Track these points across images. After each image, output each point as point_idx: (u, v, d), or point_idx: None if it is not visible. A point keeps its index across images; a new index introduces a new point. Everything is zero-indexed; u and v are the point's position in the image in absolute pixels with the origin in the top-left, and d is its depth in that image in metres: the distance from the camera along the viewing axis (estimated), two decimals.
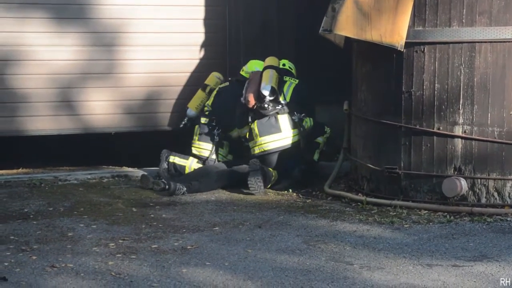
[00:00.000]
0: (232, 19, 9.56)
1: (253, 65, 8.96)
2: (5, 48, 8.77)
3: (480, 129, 7.16)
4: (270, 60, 8.74)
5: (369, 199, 7.57)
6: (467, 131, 7.20)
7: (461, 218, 6.99)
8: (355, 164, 8.07)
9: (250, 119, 8.49)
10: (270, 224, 6.81)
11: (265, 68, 8.61)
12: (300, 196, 8.03)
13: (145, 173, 8.64)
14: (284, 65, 8.91)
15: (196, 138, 8.80)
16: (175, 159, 8.72)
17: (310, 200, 7.83)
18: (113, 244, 6.15)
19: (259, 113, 8.41)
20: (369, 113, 7.75)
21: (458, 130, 7.22)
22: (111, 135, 9.33)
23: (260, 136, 8.38)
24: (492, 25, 7.03)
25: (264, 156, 8.35)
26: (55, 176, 8.67)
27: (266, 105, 8.34)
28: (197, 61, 9.49)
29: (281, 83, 8.59)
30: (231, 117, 8.66)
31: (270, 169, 8.31)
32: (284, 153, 8.38)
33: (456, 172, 7.25)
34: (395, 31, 7.22)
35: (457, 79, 7.18)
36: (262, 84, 8.39)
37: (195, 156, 8.76)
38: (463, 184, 7.14)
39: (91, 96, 9.10)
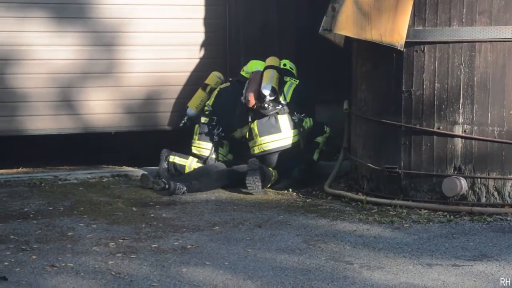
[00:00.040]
0: (232, 19, 9.56)
1: (254, 65, 8.96)
2: (5, 47, 8.77)
3: (480, 128, 7.16)
4: (271, 60, 8.74)
5: (369, 198, 7.57)
6: (467, 130, 7.20)
7: (461, 217, 6.99)
8: (355, 163, 8.07)
9: (250, 119, 8.49)
10: (270, 224, 6.81)
11: (266, 68, 8.61)
12: (300, 195, 8.03)
13: (145, 173, 8.64)
14: (285, 65, 8.90)
15: (196, 137, 8.80)
16: (175, 159, 8.72)
17: (310, 200, 7.83)
18: (113, 243, 6.15)
19: (259, 113, 8.41)
20: (369, 113, 7.75)
21: (458, 130, 7.22)
22: (111, 134, 9.33)
23: (260, 136, 8.38)
24: (492, 25, 7.03)
25: (264, 156, 8.35)
26: (55, 175, 8.66)
27: (266, 105, 8.34)
28: (197, 61, 9.48)
29: (281, 83, 8.59)
30: (232, 118, 8.66)
31: (270, 168, 8.31)
32: (284, 153, 8.37)
33: (456, 172, 7.25)
34: (395, 30, 7.22)
35: (457, 79, 7.18)
36: (263, 84, 8.39)
37: (195, 155, 8.76)
38: (463, 183, 7.14)
39: (91, 95, 9.10)
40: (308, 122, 8.54)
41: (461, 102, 7.18)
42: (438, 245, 6.17)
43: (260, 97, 8.37)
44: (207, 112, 8.84)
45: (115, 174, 8.83)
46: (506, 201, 7.16)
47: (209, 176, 8.23)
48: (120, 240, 6.24)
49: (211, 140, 8.73)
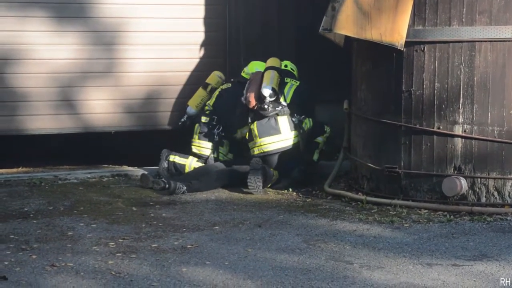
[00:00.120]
0: (232, 18, 9.55)
1: (254, 66, 8.95)
2: (5, 47, 8.76)
3: (480, 128, 7.16)
4: (272, 61, 8.73)
5: (369, 198, 7.57)
6: (467, 130, 7.20)
7: (461, 217, 6.99)
8: (355, 163, 8.07)
9: (249, 120, 8.49)
10: (270, 223, 6.81)
11: (267, 68, 8.60)
12: (300, 195, 8.03)
13: (145, 172, 8.64)
14: (286, 66, 8.90)
15: (196, 137, 8.80)
16: (175, 158, 8.72)
17: (310, 199, 7.83)
18: (113, 243, 6.15)
19: (259, 113, 8.41)
20: (369, 112, 7.75)
21: (458, 130, 7.22)
22: (111, 134, 9.33)
23: (260, 138, 8.37)
24: (492, 24, 7.03)
25: (264, 157, 8.33)
26: (55, 175, 8.66)
27: (266, 106, 8.33)
28: (197, 60, 9.48)
29: (282, 84, 8.58)
30: (233, 119, 8.65)
31: (271, 169, 8.31)
32: (283, 154, 8.37)
33: (456, 172, 7.25)
34: (395, 30, 7.22)
35: (457, 78, 7.18)
36: (263, 85, 8.38)
37: (195, 154, 8.76)
38: (463, 183, 7.14)
39: (91, 95, 9.09)
40: (308, 123, 8.53)
41: (461, 102, 7.18)
42: (438, 245, 6.17)
43: (260, 98, 8.36)
44: (207, 112, 8.83)
45: (115, 174, 8.83)
46: (506, 201, 7.16)
47: (209, 176, 8.23)
48: (120, 240, 6.24)
49: (212, 139, 8.72)
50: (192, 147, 8.79)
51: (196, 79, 9.35)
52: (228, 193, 8.07)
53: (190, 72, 9.45)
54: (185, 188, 7.96)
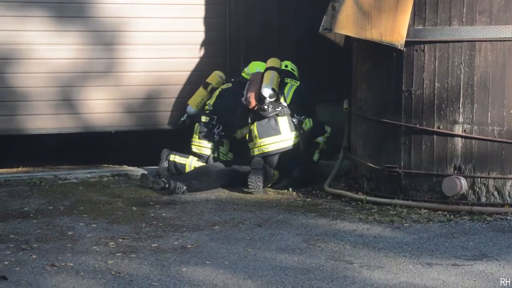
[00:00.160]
0: (233, 18, 9.55)
1: (254, 67, 8.94)
2: (5, 46, 8.76)
3: (480, 128, 7.16)
4: (272, 61, 8.72)
5: (369, 198, 7.57)
6: (467, 130, 7.20)
7: (461, 217, 6.99)
8: (355, 163, 8.07)
9: (249, 120, 8.48)
10: (270, 223, 6.81)
11: (267, 69, 8.60)
12: (300, 195, 8.03)
13: (145, 172, 8.64)
14: (286, 66, 8.89)
15: (196, 136, 8.80)
16: (175, 158, 8.72)
17: (310, 199, 7.83)
18: (113, 243, 6.15)
19: (259, 114, 8.40)
20: (369, 112, 7.75)
21: (458, 129, 7.22)
22: (111, 134, 9.33)
23: (260, 138, 8.37)
24: (492, 24, 7.03)
25: (264, 158, 8.32)
26: (55, 175, 8.66)
27: (266, 107, 8.32)
28: (197, 60, 9.48)
29: (282, 84, 8.58)
30: (233, 119, 8.65)
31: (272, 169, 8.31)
32: (283, 155, 8.36)
33: (456, 171, 7.25)
34: (395, 30, 7.22)
35: (457, 78, 7.18)
36: (263, 85, 8.37)
37: (195, 154, 8.76)
38: (463, 183, 7.14)
39: (91, 94, 9.09)
40: (308, 124, 8.52)
41: (461, 101, 7.18)
42: (438, 244, 6.17)
43: (260, 98, 8.36)
44: (207, 111, 8.84)
45: (115, 174, 8.83)
46: (506, 201, 7.16)
47: (209, 176, 8.23)
48: (120, 240, 6.24)
49: (212, 139, 8.72)
50: (192, 146, 8.79)
51: (196, 79, 9.35)
52: (228, 192, 8.08)
53: (190, 72, 9.45)
54: (185, 188, 7.96)
